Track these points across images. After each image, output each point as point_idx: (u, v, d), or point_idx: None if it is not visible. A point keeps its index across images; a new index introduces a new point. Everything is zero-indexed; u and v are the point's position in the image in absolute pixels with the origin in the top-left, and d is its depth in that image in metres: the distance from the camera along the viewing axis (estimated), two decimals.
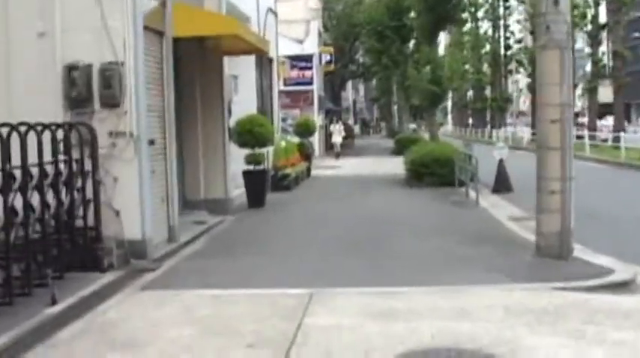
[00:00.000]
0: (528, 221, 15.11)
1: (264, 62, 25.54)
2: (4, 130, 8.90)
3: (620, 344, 7.21)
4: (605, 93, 53.98)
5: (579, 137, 38.70)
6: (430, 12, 31.91)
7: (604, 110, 52.61)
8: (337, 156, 43.44)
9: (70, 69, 11.45)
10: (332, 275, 10.81)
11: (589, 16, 50.28)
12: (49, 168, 9.89)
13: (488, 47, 76.92)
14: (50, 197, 9.90)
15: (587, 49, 54.72)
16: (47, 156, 9.89)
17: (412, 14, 43.59)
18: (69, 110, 11.52)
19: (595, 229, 14.25)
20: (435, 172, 24.01)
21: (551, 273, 10.44)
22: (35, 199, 9.39)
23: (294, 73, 45.13)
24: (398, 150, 41.24)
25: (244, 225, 16.61)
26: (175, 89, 14.57)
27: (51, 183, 9.90)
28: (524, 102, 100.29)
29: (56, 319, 8.33)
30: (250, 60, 22.69)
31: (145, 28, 12.24)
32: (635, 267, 10.82)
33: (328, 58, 51.44)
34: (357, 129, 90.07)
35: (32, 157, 9.31)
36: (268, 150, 22.29)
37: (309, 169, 30.26)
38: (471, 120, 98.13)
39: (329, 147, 47.12)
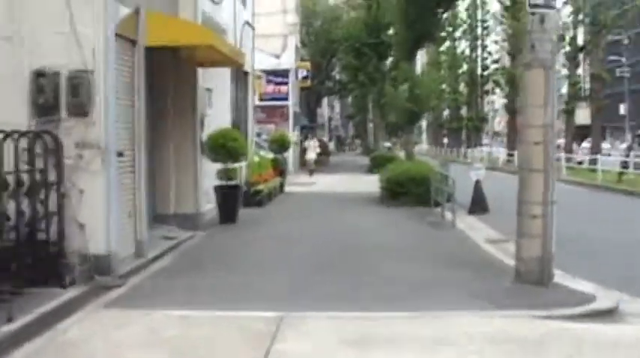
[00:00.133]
0: (505, 243, 14.93)
1: (239, 76, 25.19)
2: None
3: None
4: (582, 116, 54.05)
5: (556, 159, 38.54)
6: (410, 29, 31.64)
7: (581, 132, 52.62)
8: (311, 173, 42.92)
9: (38, 75, 10.98)
10: (304, 297, 10.36)
11: (567, 38, 50.31)
12: (11, 178, 9.44)
13: (465, 67, 77.01)
14: (11, 208, 9.43)
15: (565, 71, 54.73)
16: (9, 166, 9.44)
17: (391, 31, 43.49)
18: (35, 117, 11.04)
19: (573, 253, 13.91)
20: (410, 191, 23.62)
21: (532, 300, 10.07)
22: None
23: (270, 88, 44.79)
24: (373, 168, 40.94)
25: (215, 241, 16.18)
26: (147, 100, 14.14)
27: (12, 194, 9.45)
28: (499, 123, 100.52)
29: (12, 337, 7.86)
30: (225, 73, 22.32)
31: (117, 35, 11.80)
32: (616, 293, 10.56)
33: (305, 73, 51.19)
34: (332, 146, 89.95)
35: None
36: (242, 165, 21.89)
37: (282, 185, 29.82)
38: (446, 140, 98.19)
39: (303, 163, 46.74)
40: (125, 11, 12.55)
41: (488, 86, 73.81)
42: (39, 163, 10.36)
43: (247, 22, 26.69)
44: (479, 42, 75.89)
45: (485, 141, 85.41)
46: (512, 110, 61.01)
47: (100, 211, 11.10)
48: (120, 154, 11.97)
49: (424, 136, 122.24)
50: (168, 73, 17.14)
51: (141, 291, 10.84)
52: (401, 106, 32.50)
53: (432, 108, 47.32)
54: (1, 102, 10.83)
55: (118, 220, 11.61)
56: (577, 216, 20.69)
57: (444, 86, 45.19)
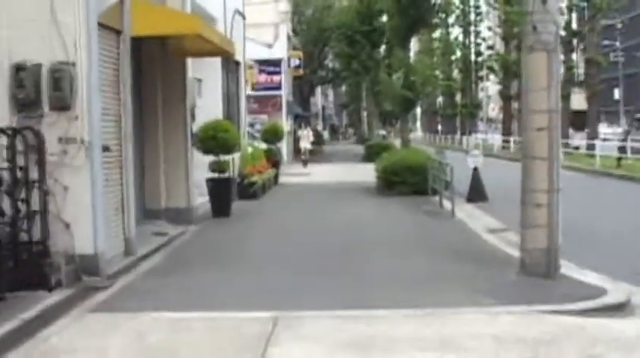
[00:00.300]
0: (506, 233, 14.61)
1: (230, 66, 24.74)
2: None
3: None
4: (576, 101, 53.56)
5: None
6: (403, 15, 31.17)
7: (577, 118, 52.18)
8: (305, 163, 42.38)
9: (18, 69, 10.48)
10: (300, 295, 9.89)
11: (562, 23, 49.83)
12: None
13: (459, 53, 76.47)
14: None
15: (560, 56, 54.29)
16: None
17: (384, 18, 43.07)
18: (16, 113, 10.55)
19: (576, 241, 13.38)
20: (406, 180, 23.28)
21: (540, 294, 9.61)
22: None
23: (263, 78, 44.29)
24: (368, 157, 40.69)
25: (207, 236, 15.74)
26: (135, 92, 13.71)
27: None
28: (492, 109, 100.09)
29: None
30: (216, 63, 21.89)
31: (100, 25, 11.32)
32: (625, 285, 10.15)
33: (297, 62, 50.72)
34: (326, 135, 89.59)
35: None
36: (234, 157, 21.44)
37: (276, 176, 29.39)
38: (440, 127, 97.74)
39: (298, 151, 46.27)
40: (109, 0, 12.06)
41: (483, 72, 73.27)
42: (20, 160, 9.91)
43: (238, 11, 26.20)
44: (472, 28, 75.32)
45: (481, 127, 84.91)
46: (506, 96, 60.66)
47: (85, 209, 10.66)
48: (106, 149, 11.53)
49: (418, 124, 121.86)
50: (157, 64, 16.67)
51: (129, 292, 10.37)
52: (396, 93, 32.04)
53: (427, 95, 46.94)
54: None
55: (105, 217, 11.17)
56: (577, 203, 20.23)
57: (437, 72, 44.70)
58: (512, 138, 54.18)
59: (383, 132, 73.33)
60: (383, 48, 47.83)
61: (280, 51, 46.35)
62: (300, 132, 47.74)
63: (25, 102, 10.51)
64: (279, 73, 45.66)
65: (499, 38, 63.44)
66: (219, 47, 16.80)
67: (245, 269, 11.97)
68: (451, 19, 72.15)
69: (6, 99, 10.54)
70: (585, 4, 46.91)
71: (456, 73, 79.73)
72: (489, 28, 70.01)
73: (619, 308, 9.08)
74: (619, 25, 67.83)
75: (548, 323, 8.26)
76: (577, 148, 43.33)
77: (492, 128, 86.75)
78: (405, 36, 32.95)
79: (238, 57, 24.88)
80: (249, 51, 30.94)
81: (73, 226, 10.46)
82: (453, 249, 13.37)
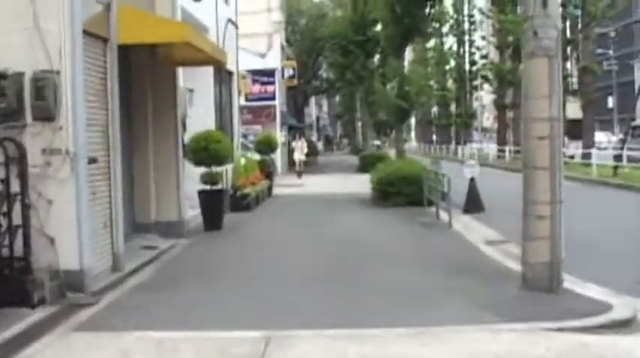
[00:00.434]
0: (505, 244, 14.28)
1: (223, 76, 24.47)
2: None
3: None
4: (571, 110, 53.31)
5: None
6: (398, 24, 30.95)
7: (572, 126, 51.91)
8: (299, 174, 42.07)
9: None
10: (293, 313, 9.48)
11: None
12: None
13: (453, 63, 76.37)
14: None
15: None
16: None
17: (377, 28, 42.93)
18: None
19: (577, 253, 12.95)
20: (402, 191, 22.99)
21: (543, 310, 9.21)
22: None
23: (256, 88, 44.06)
24: (363, 168, 40.45)
25: (198, 250, 15.33)
26: (124, 102, 13.32)
27: None
28: (487, 119, 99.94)
29: None
30: (208, 73, 21.59)
31: (86, 32, 10.94)
32: (630, 298, 9.76)
33: (291, 72, 50.49)
34: (320, 145, 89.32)
35: None
36: (227, 168, 21.07)
37: (270, 188, 29.03)
38: (435, 137, 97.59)
39: (292, 163, 45.96)
40: (95, 6, 11.68)
41: (477, 82, 73.09)
42: (1, 173, 9.55)
43: (230, 20, 25.92)
44: (466, 37, 75.23)
45: (476, 137, 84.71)
46: (501, 105, 60.41)
47: (70, 223, 10.31)
48: (93, 160, 11.15)
49: (413, 134, 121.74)
50: (146, 73, 16.32)
51: (115, 310, 9.96)
52: (391, 103, 31.79)
53: (421, 105, 46.75)
54: None
55: (91, 232, 10.81)
56: (576, 213, 19.85)
57: (431, 82, 44.45)
58: (507, 148, 53.97)
59: (377, 142, 73.19)
60: (377, 57, 47.70)
61: (274, 61, 46.06)
62: (294, 144, 47.45)
63: (7, 111, 10.15)
64: (272, 83, 45.39)
65: (493, 47, 63.29)
66: (211, 56, 16.43)
67: (236, 285, 11.56)
68: (445, 29, 72.18)
69: None
70: (579, 12, 46.65)
71: (450, 83, 79.76)
72: (483, 37, 69.90)
73: (625, 325, 8.71)
74: (612, 34, 67.62)
75: (552, 341, 7.88)
76: (572, 157, 43.00)
77: (487, 137, 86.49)
78: (400, 45, 32.78)
79: (231, 67, 24.59)
80: (242, 61, 30.67)
81: (58, 241, 10.12)
82: (451, 262, 12.99)
